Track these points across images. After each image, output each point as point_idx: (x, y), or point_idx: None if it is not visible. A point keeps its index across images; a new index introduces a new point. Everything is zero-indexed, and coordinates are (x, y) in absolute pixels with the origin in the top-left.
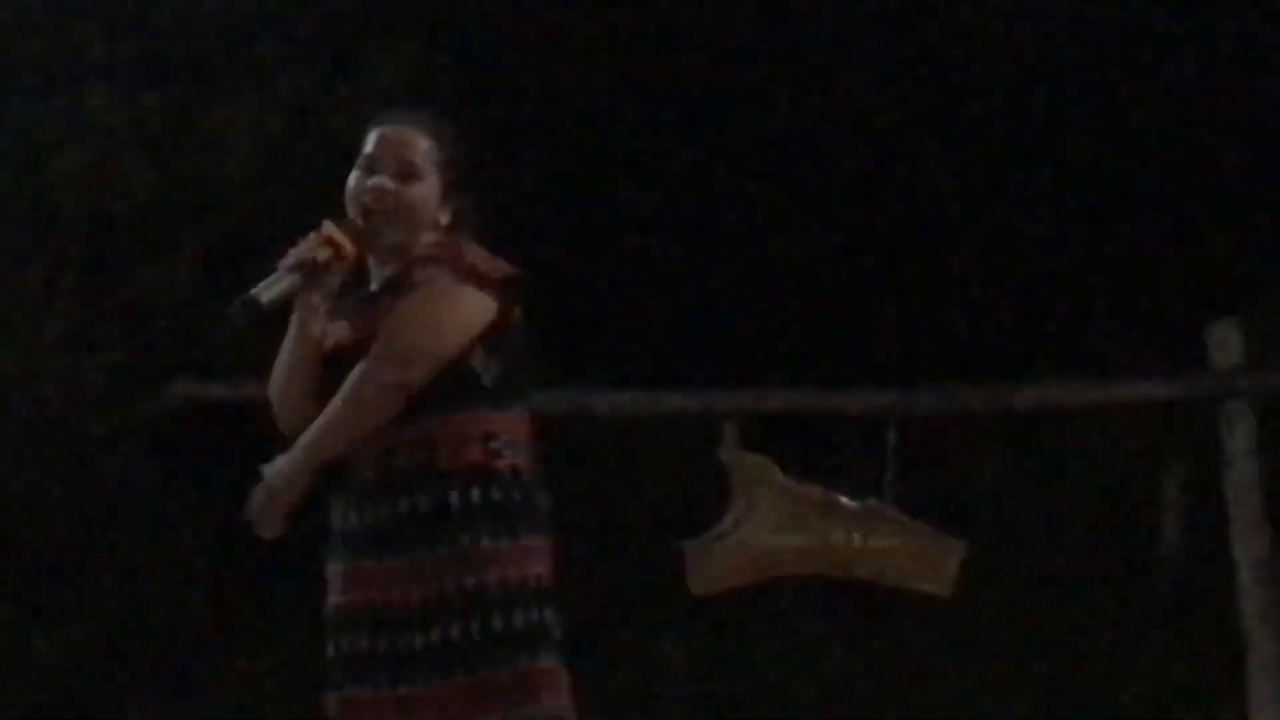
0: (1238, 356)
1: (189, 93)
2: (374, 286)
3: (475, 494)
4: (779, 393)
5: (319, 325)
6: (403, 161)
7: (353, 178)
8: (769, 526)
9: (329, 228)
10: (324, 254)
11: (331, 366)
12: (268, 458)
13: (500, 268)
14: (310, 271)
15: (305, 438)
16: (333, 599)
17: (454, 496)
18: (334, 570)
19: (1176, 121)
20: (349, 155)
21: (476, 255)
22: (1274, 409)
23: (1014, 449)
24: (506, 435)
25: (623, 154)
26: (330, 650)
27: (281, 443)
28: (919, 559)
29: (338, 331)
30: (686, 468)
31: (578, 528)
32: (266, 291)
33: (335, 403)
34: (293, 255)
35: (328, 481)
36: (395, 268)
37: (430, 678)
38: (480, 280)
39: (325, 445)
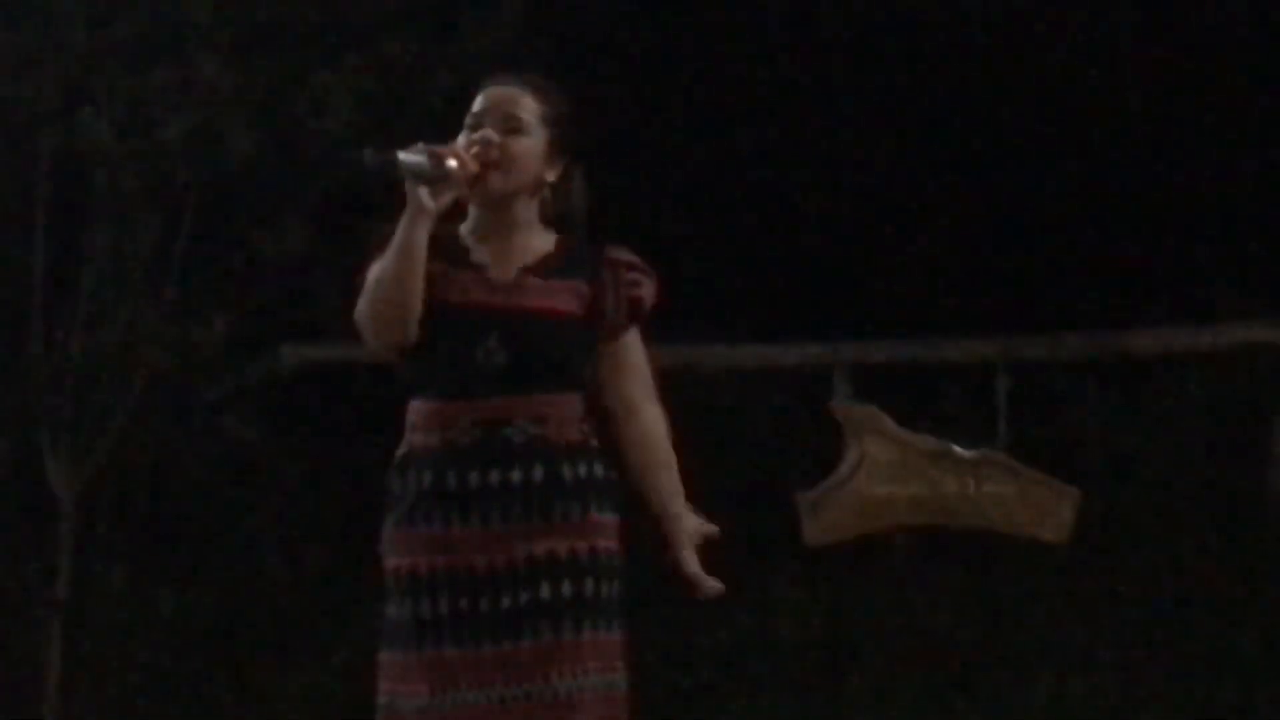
0: None
1: (293, 56)
2: (546, 250)
3: (582, 470)
4: (888, 343)
5: (427, 231)
6: (508, 116)
7: (460, 137)
8: (882, 476)
9: (456, 147)
10: (453, 162)
11: (544, 324)
12: (376, 419)
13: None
14: (438, 167)
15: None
16: (418, 560)
17: (566, 470)
18: (417, 533)
19: None
20: (451, 116)
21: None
22: None
23: (1124, 394)
24: (589, 417)
25: (723, 115)
26: (403, 610)
27: (378, 407)
28: (1033, 506)
29: (543, 293)
30: (798, 420)
31: (690, 482)
32: (406, 155)
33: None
34: (425, 147)
35: (405, 447)
36: (569, 246)
37: (522, 636)
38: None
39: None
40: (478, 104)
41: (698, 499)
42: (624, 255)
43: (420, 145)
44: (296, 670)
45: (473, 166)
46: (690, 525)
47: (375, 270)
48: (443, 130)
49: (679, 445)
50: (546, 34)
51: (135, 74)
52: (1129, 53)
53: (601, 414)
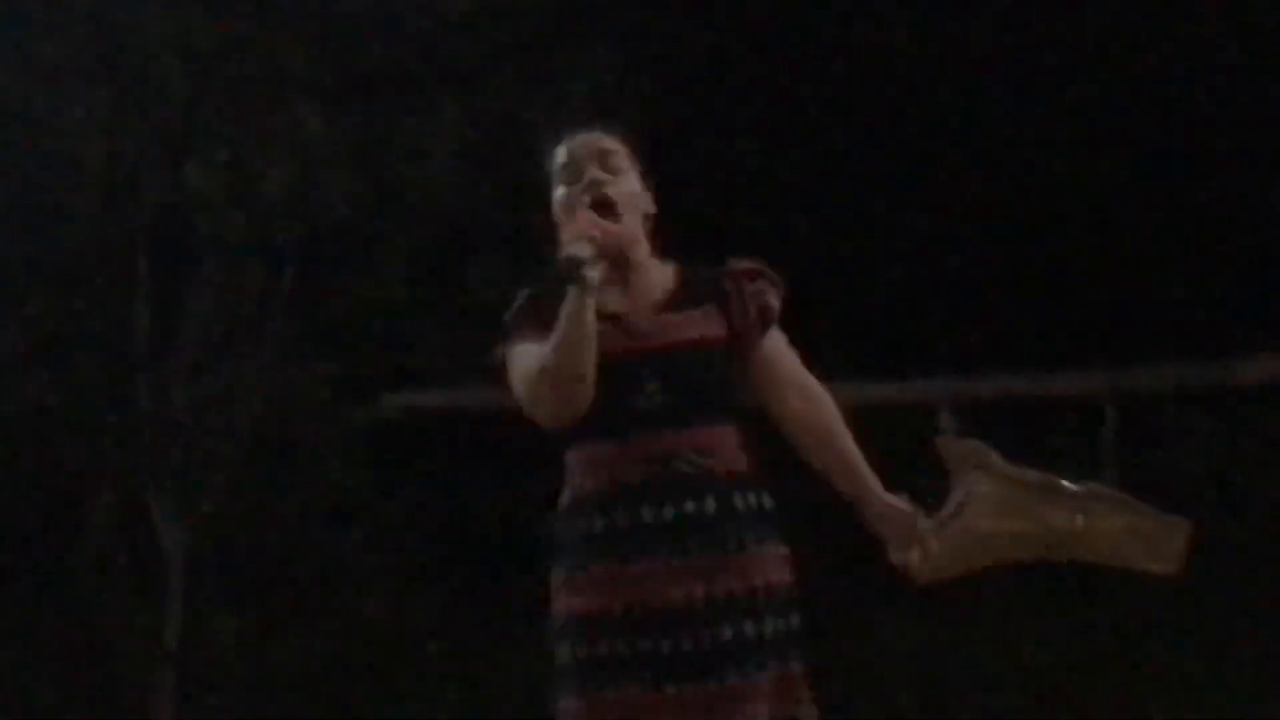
0: None
1: (391, 104)
2: (670, 284)
3: (751, 499)
4: (993, 378)
5: (594, 304)
6: (604, 157)
7: (559, 191)
8: (988, 512)
9: (592, 218)
10: (596, 232)
11: (696, 357)
12: (482, 464)
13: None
14: (590, 247)
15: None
16: (595, 602)
17: (737, 500)
18: (592, 575)
19: None
20: (549, 163)
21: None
22: None
23: (1232, 424)
24: (748, 446)
25: (823, 153)
26: (579, 653)
27: (499, 453)
28: (1144, 540)
29: (684, 325)
30: (903, 456)
31: (795, 519)
32: (577, 252)
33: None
34: (576, 235)
35: (575, 486)
36: (688, 273)
37: (705, 678)
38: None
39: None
40: (563, 156)
41: (804, 534)
42: (744, 265)
43: (574, 234)
44: (405, 715)
45: (611, 226)
46: (895, 516)
47: (539, 353)
48: (540, 173)
49: (786, 484)
50: (643, 78)
51: (235, 125)
52: (1234, 84)
53: (764, 436)
